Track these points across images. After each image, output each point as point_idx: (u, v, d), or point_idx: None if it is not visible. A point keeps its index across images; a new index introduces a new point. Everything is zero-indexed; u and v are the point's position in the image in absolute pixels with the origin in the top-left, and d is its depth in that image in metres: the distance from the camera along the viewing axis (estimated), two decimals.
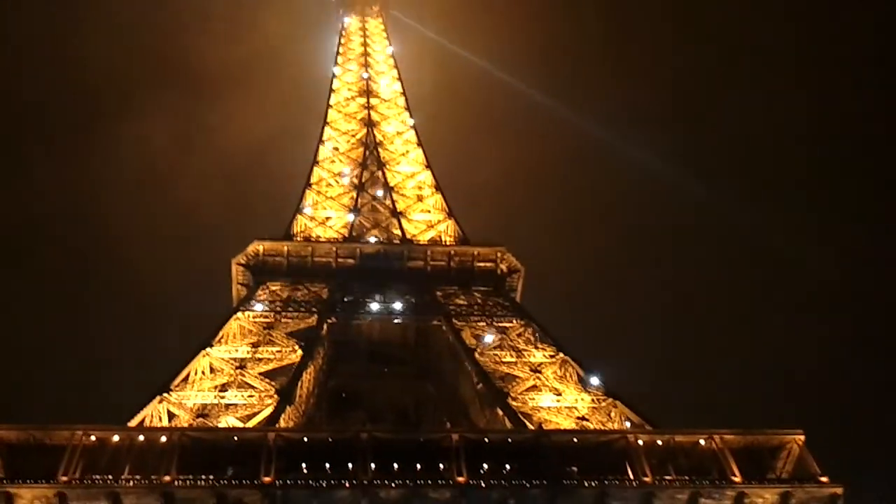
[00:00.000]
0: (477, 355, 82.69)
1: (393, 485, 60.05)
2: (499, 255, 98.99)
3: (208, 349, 79.78)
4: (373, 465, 61.13)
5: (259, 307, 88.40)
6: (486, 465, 63.04)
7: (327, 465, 61.53)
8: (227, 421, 71.82)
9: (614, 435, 67.67)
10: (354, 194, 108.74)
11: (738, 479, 62.27)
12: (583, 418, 74.44)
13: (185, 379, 76.23)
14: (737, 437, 65.41)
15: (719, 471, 63.34)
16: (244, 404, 74.07)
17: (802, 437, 65.46)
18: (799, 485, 62.39)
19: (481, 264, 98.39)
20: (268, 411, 72.45)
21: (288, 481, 59.84)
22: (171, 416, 72.43)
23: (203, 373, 77.69)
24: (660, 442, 65.59)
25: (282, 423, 71.12)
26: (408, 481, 60.28)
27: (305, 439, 64.58)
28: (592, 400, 76.76)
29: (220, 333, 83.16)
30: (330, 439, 65.06)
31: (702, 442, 65.34)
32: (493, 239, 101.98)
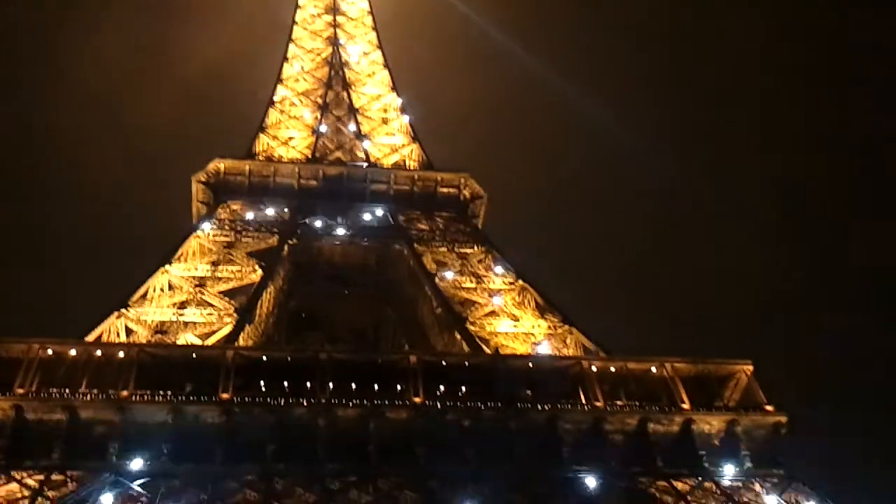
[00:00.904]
0: (437, 280, 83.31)
1: (350, 404, 60.85)
2: (462, 180, 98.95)
3: (167, 266, 79.34)
4: (331, 385, 61.80)
5: (219, 226, 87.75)
6: (442, 387, 64.11)
7: (285, 384, 62.08)
8: (186, 338, 71.90)
9: (568, 361, 69.05)
10: (319, 114, 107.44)
11: (686, 405, 64.07)
12: (539, 344, 75.69)
13: (144, 296, 75.92)
14: (687, 366, 67.08)
15: (669, 397, 65.07)
16: (203, 322, 74.07)
17: (751, 368, 67.32)
18: (745, 413, 64.36)
19: (444, 190, 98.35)
20: (227, 330, 72.61)
21: (246, 399, 60.36)
22: (129, 331, 72.34)
23: (162, 290, 77.40)
24: (612, 369, 67.12)
25: (241, 342, 71.43)
26: (365, 401, 61.09)
27: (264, 358, 65.04)
28: (549, 327, 77.99)
29: (180, 251, 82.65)
30: (289, 358, 65.55)
31: (653, 370, 66.95)
32: (457, 165, 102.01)
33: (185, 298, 76.41)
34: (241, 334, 72.48)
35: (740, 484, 59.57)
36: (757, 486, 59.52)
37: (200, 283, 78.33)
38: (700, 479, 59.79)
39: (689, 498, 57.48)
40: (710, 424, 63.26)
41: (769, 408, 64.66)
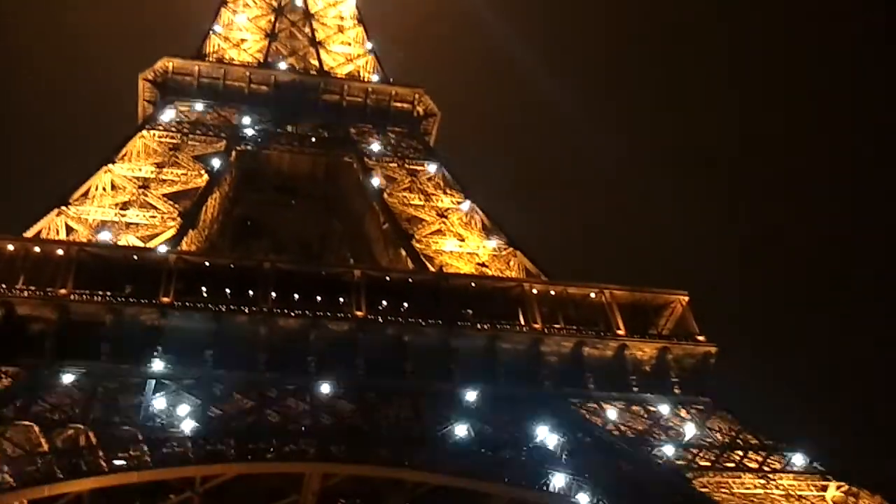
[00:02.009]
0: (385, 195, 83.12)
1: (293, 314, 61.19)
2: (417, 96, 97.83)
3: (110, 165, 77.66)
4: (273, 295, 61.93)
5: (166, 127, 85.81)
6: (385, 302, 64.69)
7: (227, 292, 62.04)
8: (128, 239, 70.92)
9: (510, 283, 70.10)
10: (272, 17, 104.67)
11: (621, 332, 65.75)
12: (483, 265, 76.51)
13: (86, 194, 74.44)
14: (625, 294, 68.58)
15: (605, 323, 66.69)
16: (146, 224, 73.04)
17: (686, 299, 69.06)
18: (677, 342, 66.35)
19: (398, 104, 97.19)
20: (170, 233, 71.73)
21: (187, 303, 60.20)
22: (69, 230, 71.11)
23: (104, 189, 75.89)
24: (553, 292, 68.32)
25: (184, 247, 70.76)
26: (307, 312, 61.46)
27: (207, 264, 64.65)
28: (494, 248, 78.72)
29: (124, 150, 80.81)
30: (232, 266, 65.34)
31: (592, 295, 68.33)
32: (411, 80, 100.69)
33: (128, 199, 75.09)
34: (185, 239, 71.74)
35: (667, 409, 61.68)
36: (683, 413, 61.78)
37: (144, 184, 76.91)
38: (629, 402, 61.75)
39: (616, 420, 59.32)
40: (643, 351, 65.14)
41: (700, 338, 66.71)
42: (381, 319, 62.94)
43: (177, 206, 75.24)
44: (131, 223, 72.93)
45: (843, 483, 55.29)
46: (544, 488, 52.84)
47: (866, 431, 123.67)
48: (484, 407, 58.51)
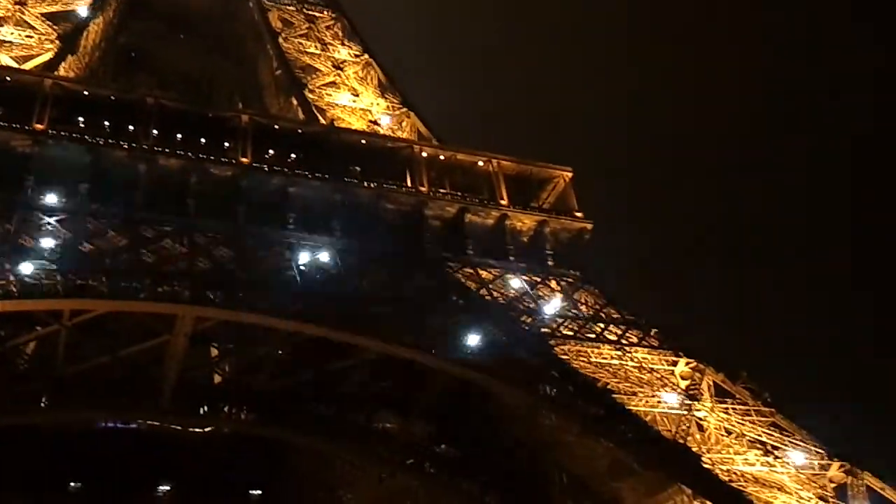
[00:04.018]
0: (281, 40, 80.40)
1: (174, 154, 59.54)
2: None
3: None
4: (155, 132, 59.94)
5: None
6: (272, 151, 63.69)
7: (106, 124, 59.68)
8: (0, 59, 66.66)
9: (401, 143, 69.95)
10: None
11: (504, 202, 67.13)
12: (375, 122, 75.82)
13: None
14: (512, 165, 69.65)
15: (490, 192, 67.87)
16: (20, 44, 68.39)
17: (570, 175, 70.74)
18: (556, 216, 68.32)
19: None
20: (47, 56, 67.71)
21: (62, 133, 57.69)
22: None
23: None
24: (442, 157, 68.77)
25: (62, 72, 67.09)
26: (190, 154, 59.90)
27: (86, 93, 61.75)
28: (387, 107, 77.94)
29: None
30: (113, 98, 62.57)
31: (480, 164, 69.13)
32: None
33: (2, 14, 69.90)
34: (63, 64, 67.94)
35: (539, 279, 64.10)
36: (553, 283, 64.36)
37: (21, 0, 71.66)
38: (504, 270, 63.79)
39: (490, 286, 61.36)
40: (523, 222, 66.88)
41: (578, 214, 68.88)
42: (266, 168, 62.04)
43: (56, 27, 70.73)
44: (4, 41, 68.23)
45: (692, 360, 59.26)
46: (414, 344, 54.63)
47: (720, 314, 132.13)
48: (363, 263, 59.36)
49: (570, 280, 65.31)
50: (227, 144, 61.80)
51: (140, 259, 54.33)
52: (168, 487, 77.02)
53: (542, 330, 58.58)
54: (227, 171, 60.26)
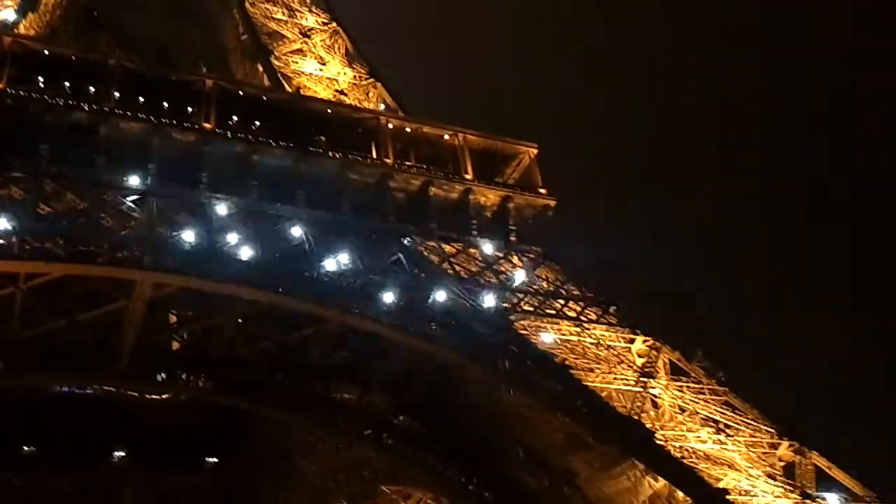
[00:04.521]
0: (247, 5, 79.36)
1: (136, 118, 58.63)
2: None
3: None
4: (117, 95, 58.94)
5: None
6: (235, 118, 62.97)
7: (67, 85, 58.55)
8: None
9: (367, 114, 69.56)
10: None
11: (469, 176, 67.12)
12: (341, 92, 75.30)
13: None
14: (478, 139, 69.55)
15: (455, 166, 67.80)
16: None
17: (535, 151, 70.87)
18: (520, 192, 68.48)
19: None
20: (6, 14, 66.27)
21: (22, 92, 56.49)
22: None
23: None
24: (408, 129, 68.53)
25: (21, 30, 65.70)
26: (152, 117, 59.03)
27: (46, 52, 60.51)
28: (354, 76, 77.41)
29: None
30: (74, 57, 61.39)
31: (446, 137, 68.98)
32: None
33: None
34: (23, 22, 66.55)
35: (501, 254, 64.41)
36: (515, 259, 64.70)
37: None
38: (466, 245, 63.96)
39: (452, 260, 61.53)
40: (487, 197, 66.97)
41: (542, 191, 69.12)
42: (230, 135, 61.33)
43: None
44: None
45: (648, 338, 60.06)
46: (374, 316, 54.74)
47: (680, 293, 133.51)
48: (326, 235, 59.11)
49: (531, 256, 65.68)
50: (190, 109, 60.97)
51: (99, 223, 53.58)
52: (123, 453, 76.79)
53: (503, 305, 58.94)
54: (190, 137, 59.47)
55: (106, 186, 55.03)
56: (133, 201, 55.04)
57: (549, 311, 60.09)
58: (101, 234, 52.45)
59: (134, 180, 55.69)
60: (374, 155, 65.52)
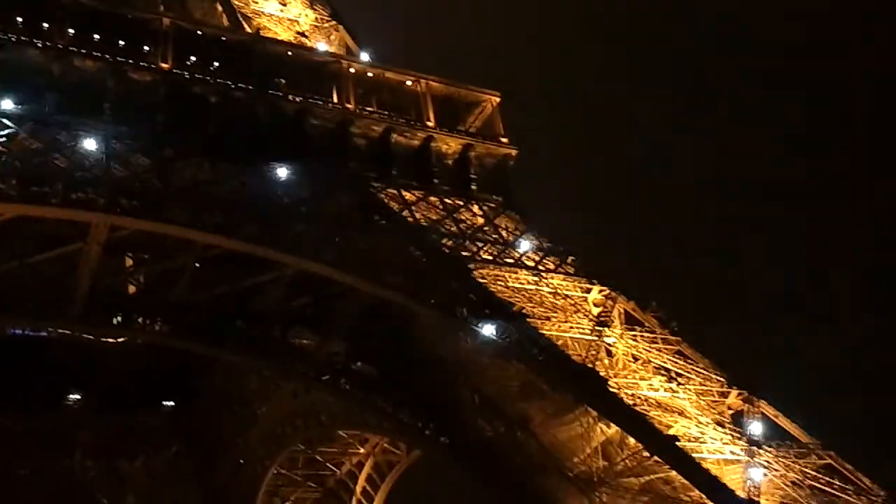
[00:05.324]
0: None
1: (91, 56, 57.15)
2: None
3: None
4: (71, 32, 57.32)
5: None
6: (193, 58, 61.67)
7: (19, 20, 56.71)
8: None
9: (328, 57, 68.54)
10: None
11: (431, 123, 66.71)
12: (302, 34, 74.01)
13: None
14: (441, 86, 68.98)
15: (417, 113, 67.26)
16: None
17: (498, 99, 70.52)
18: (481, 140, 68.32)
19: None
20: None
21: None
22: None
23: None
24: (370, 74, 67.69)
25: None
26: (108, 56, 57.63)
27: None
28: (316, 19, 76.06)
29: None
30: None
31: (409, 83, 68.32)
32: None
33: None
34: None
35: (462, 203, 64.45)
36: (475, 208, 64.80)
37: None
38: (427, 193, 63.83)
39: (412, 208, 61.43)
40: (448, 145, 66.71)
41: (504, 140, 69.04)
42: (187, 75, 60.18)
43: None
44: None
45: (604, 288, 60.81)
46: (332, 262, 54.69)
47: (636, 244, 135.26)
48: (285, 180, 58.61)
49: (492, 205, 65.81)
50: (147, 48, 59.60)
51: (53, 163, 52.53)
52: (78, 396, 76.48)
53: (463, 253, 59.15)
54: (147, 77, 58.17)
55: (59, 126, 53.85)
56: (87, 141, 53.91)
57: (507, 259, 60.41)
58: (55, 175, 51.49)
59: (89, 120, 54.54)
60: (336, 99, 64.75)
